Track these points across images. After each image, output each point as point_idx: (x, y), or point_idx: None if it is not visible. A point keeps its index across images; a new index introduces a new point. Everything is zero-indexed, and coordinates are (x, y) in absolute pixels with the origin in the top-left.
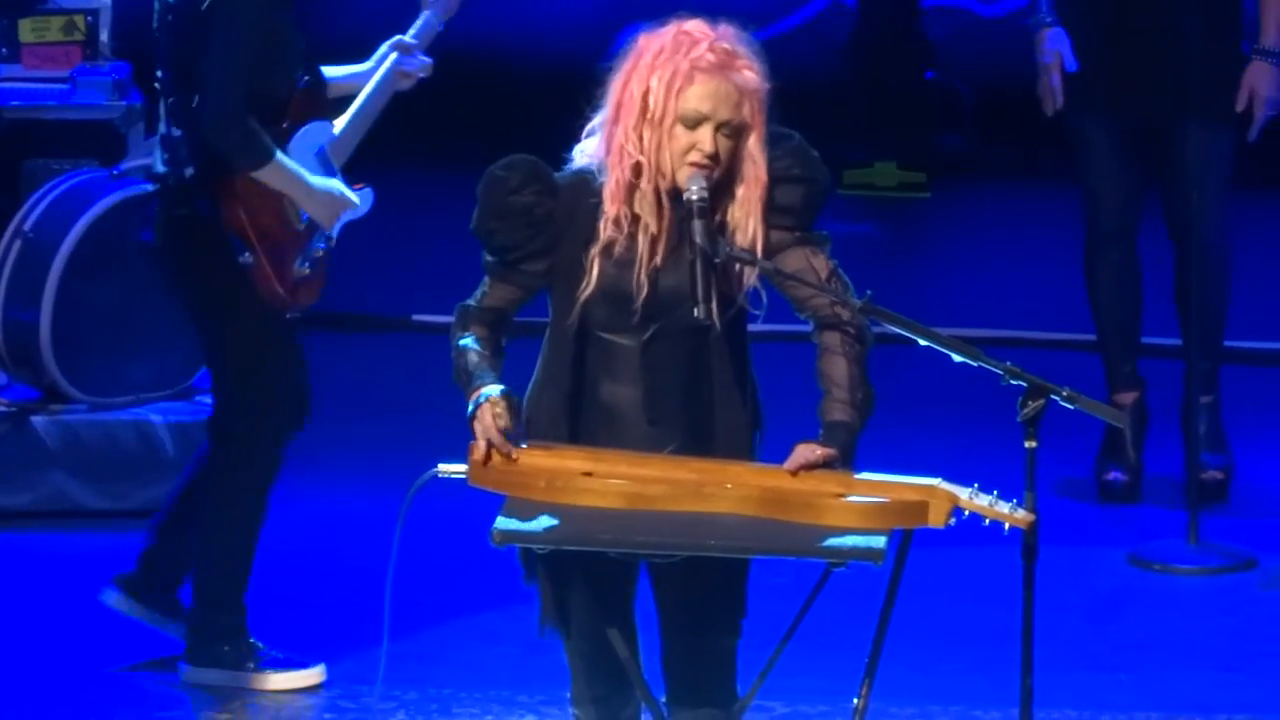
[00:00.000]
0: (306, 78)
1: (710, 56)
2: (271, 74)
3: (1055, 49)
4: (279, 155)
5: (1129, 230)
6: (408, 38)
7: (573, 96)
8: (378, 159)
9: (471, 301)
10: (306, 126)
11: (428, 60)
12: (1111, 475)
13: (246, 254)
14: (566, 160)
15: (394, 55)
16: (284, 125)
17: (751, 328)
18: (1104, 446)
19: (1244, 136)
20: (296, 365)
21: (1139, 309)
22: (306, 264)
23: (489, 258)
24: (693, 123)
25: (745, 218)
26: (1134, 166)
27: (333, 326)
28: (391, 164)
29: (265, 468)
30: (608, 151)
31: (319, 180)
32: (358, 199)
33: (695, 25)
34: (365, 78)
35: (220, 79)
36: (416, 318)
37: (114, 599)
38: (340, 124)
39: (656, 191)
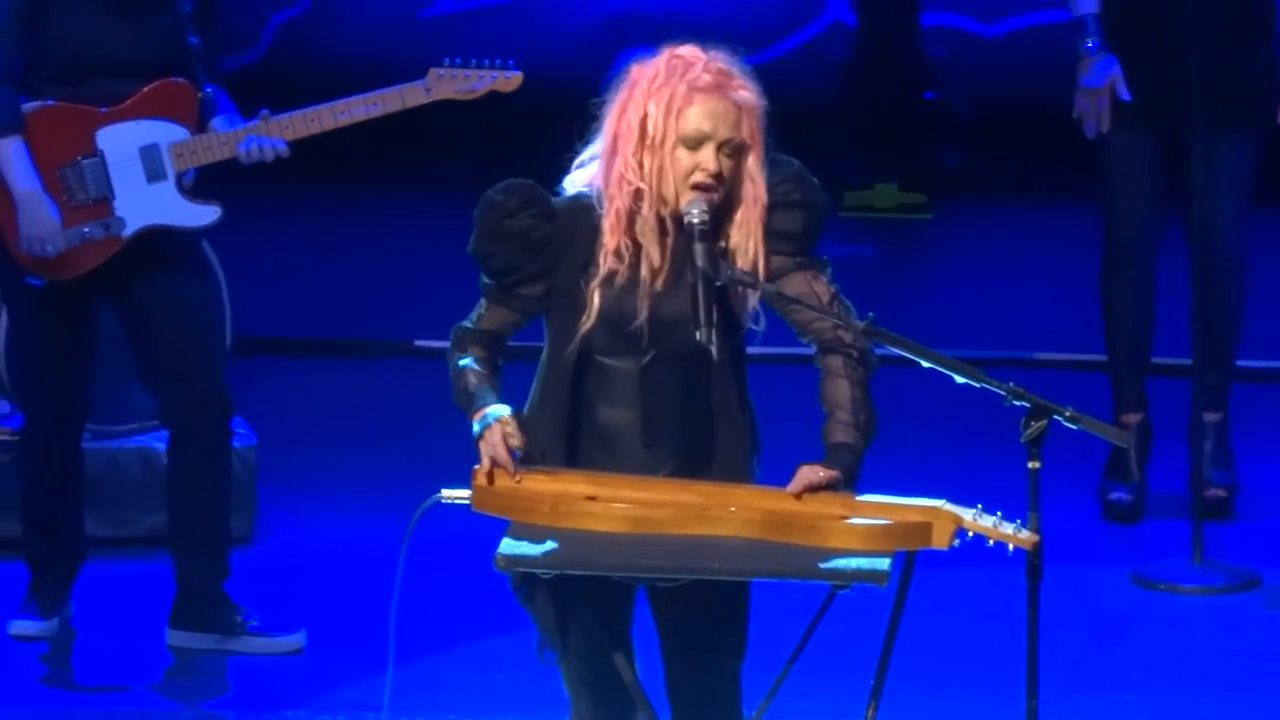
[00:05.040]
0: (183, 80)
1: (706, 77)
2: (54, 50)
3: (1109, 73)
4: (8, 140)
5: (1148, 250)
6: (276, 119)
7: (570, 120)
8: (379, 184)
9: (468, 323)
10: (148, 121)
11: (282, 146)
12: (1115, 495)
13: None
14: (560, 191)
15: (257, 125)
16: (101, 110)
17: (752, 350)
18: (1108, 466)
19: (1270, 151)
20: (48, 336)
21: (1151, 330)
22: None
23: (486, 280)
24: (694, 143)
25: (745, 239)
26: (1158, 185)
27: (334, 352)
28: (393, 188)
29: (34, 429)
30: (606, 183)
31: (31, 192)
32: (49, 218)
33: (687, 50)
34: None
35: None
36: (418, 343)
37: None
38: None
39: (659, 218)
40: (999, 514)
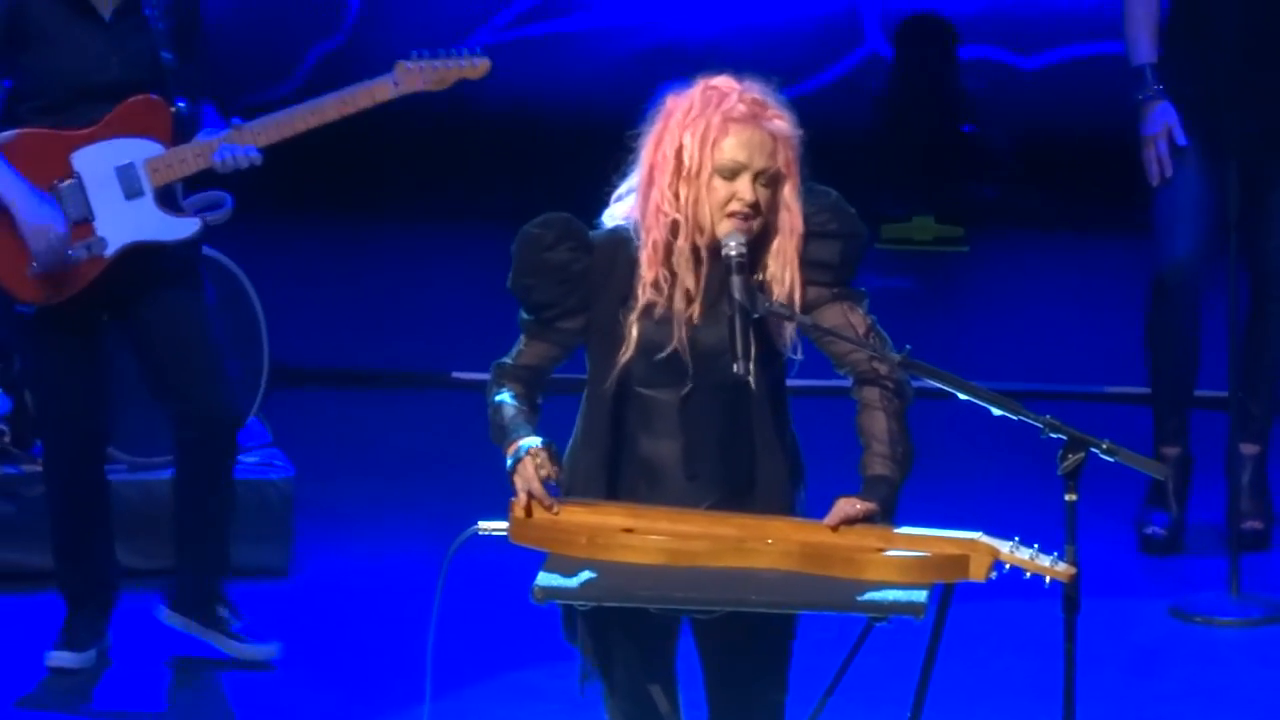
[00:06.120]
0: (155, 96)
1: (741, 107)
2: (32, 73)
3: (1164, 120)
4: None
5: (1196, 286)
6: (248, 127)
7: (608, 152)
8: (418, 216)
9: (507, 359)
10: (122, 140)
11: (255, 153)
12: (1151, 529)
13: None
14: (598, 224)
15: (229, 134)
16: (75, 132)
17: (789, 382)
18: (1146, 498)
19: None
20: (55, 364)
21: (1195, 364)
22: (37, 264)
23: (525, 315)
24: (730, 173)
25: (781, 268)
26: (1209, 221)
27: (371, 384)
28: (432, 221)
29: (54, 459)
30: (643, 214)
31: (23, 194)
32: (50, 210)
33: (722, 80)
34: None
35: None
36: (456, 375)
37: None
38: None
39: (695, 248)
40: (1036, 546)
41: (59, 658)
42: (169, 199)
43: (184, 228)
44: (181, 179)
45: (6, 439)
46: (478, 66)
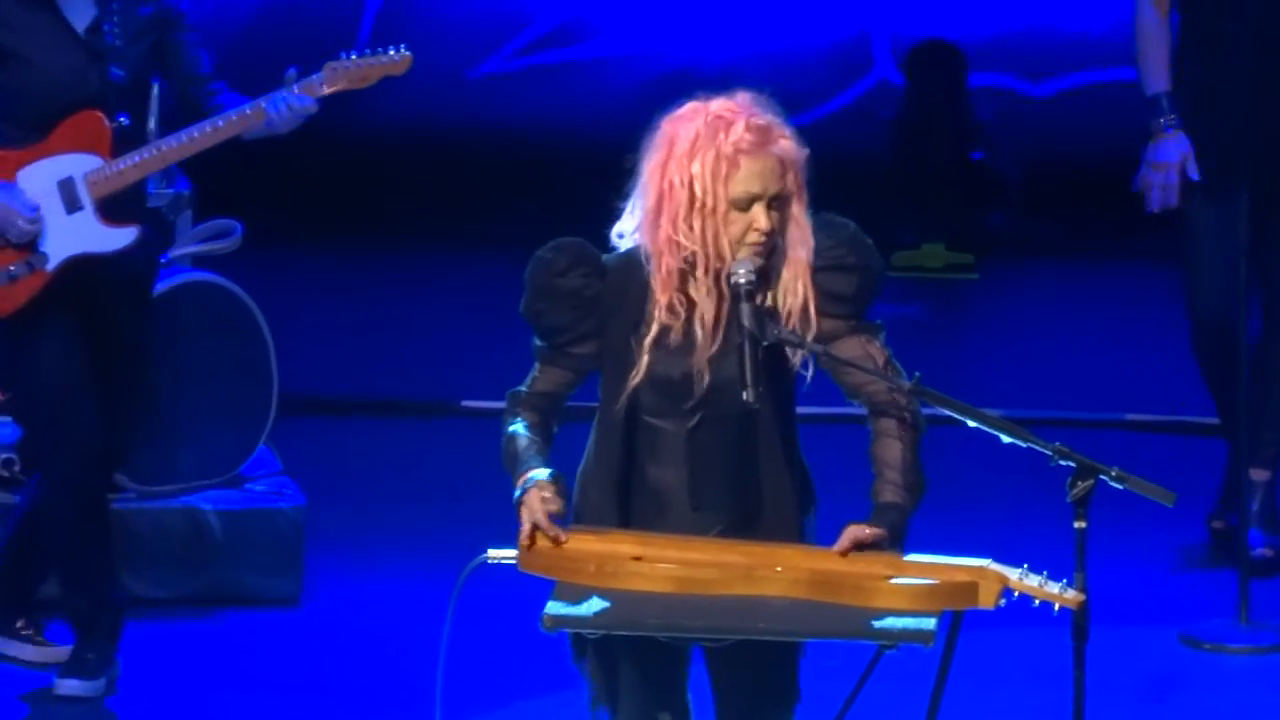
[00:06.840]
0: (91, 111)
1: (749, 136)
2: (24, 98)
3: (1182, 150)
4: None
5: (1232, 320)
6: (162, 147)
7: (619, 180)
8: (429, 243)
9: (522, 387)
10: (63, 156)
11: (310, 101)
12: (1218, 523)
13: None
14: (612, 247)
15: (151, 155)
16: (21, 149)
17: (799, 410)
18: (1221, 498)
19: None
20: (48, 380)
21: (1246, 386)
22: None
23: (538, 342)
24: (745, 204)
25: (794, 279)
26: (1238, 254)
27: (383, 411)
28: (444, 248)
29: (58, 485)
30: (653, 241)
31: None
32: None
33: (721, 106)
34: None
35: None
36: (466, 403)
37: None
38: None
39: (715, 275)
40: (1045, 573)
41: (68, 686)
42: (112, 210)
43: (121, 238)
44: (121, 190)
45: (16, 467)
46: (399, 62)
